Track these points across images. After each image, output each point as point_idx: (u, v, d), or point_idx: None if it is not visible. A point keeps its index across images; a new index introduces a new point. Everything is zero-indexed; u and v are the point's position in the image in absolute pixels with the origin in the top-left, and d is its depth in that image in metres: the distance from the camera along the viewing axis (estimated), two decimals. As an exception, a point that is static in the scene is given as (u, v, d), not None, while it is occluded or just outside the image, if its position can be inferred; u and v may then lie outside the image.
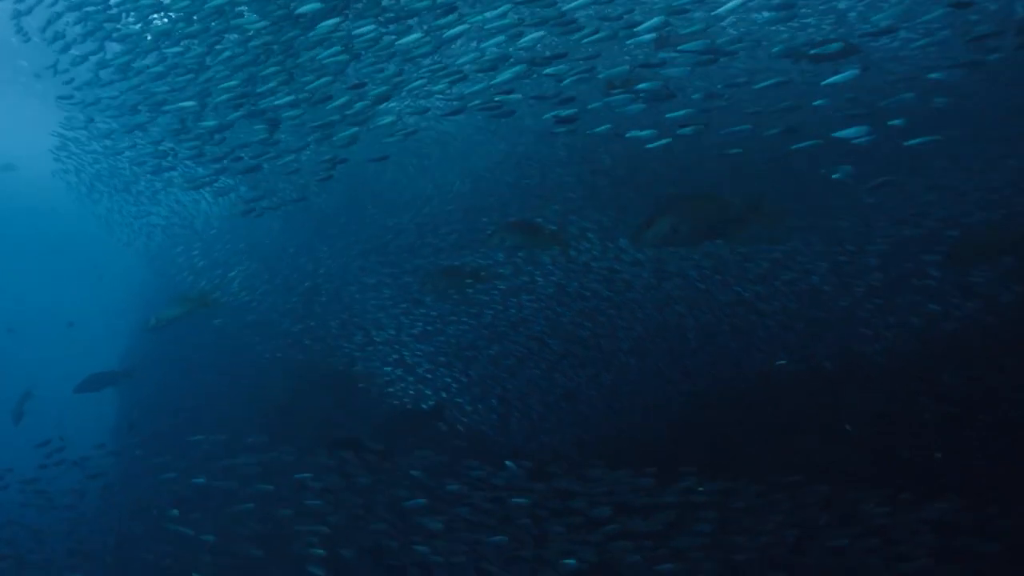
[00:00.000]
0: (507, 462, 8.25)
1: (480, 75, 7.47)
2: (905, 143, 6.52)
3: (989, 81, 9.04)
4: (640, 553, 6.90)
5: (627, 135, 7.10)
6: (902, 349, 8.92)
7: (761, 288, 9.78)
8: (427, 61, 8.96)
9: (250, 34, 8.27)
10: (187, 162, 12.10)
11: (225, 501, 8.87)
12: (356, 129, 7.82)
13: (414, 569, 7.77)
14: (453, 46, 10.43)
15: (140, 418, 14.01)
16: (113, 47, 9.86)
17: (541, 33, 6.92)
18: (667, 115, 7.03)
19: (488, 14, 7.04)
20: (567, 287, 10.59)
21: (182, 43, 8.92)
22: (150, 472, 10.35)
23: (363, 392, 12.19)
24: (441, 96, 11.08)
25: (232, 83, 8.46)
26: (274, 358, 13.34)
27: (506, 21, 7.03)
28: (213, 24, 8.28)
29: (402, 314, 11.96)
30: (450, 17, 7.21)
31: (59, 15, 9.87)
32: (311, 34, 7.87)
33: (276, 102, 8.23)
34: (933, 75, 7.54)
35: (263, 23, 8.12)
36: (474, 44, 10.84)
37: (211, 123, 9.04)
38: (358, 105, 7.98)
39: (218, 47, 8.59)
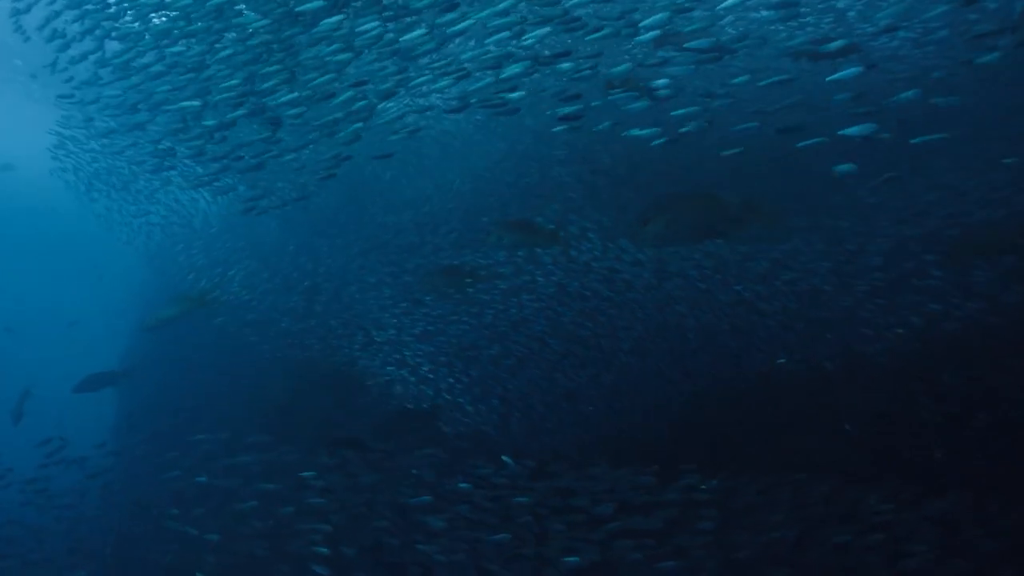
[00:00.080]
0: (504, 457, 8.25)
1: (482, 73, 7.47)
2: (911, 141, 6.52)
3: (989, 80, 9.05)
4: (642, 551, 6.90)
5: (627, 133, 7.11)
6: (903, 349, 8.92)
7: (761, 288, 9.79)
8: (425, 60, 8.95)
9: (250, 32, 8.27)
10: (186, 161, 12.09)
11: (226, 500, 8.87)
12: (360, 125, 7.81)
13: (415, 567, 7.77)
14: (451, 44, 10.43)
15: (140, 417, 13.99)
16: (113, 46, 9.85)
17: (546, 30, 6.91)
18: (671, 113, 7.04)
19: (491, 10, 7.04)
20: (568, 287, 10.59)
21: (181, 42, 8.91)
22: (151, 471, 10.34)
23: (363, 391, 12.19)
24: (443, 94, 11.08)
25: (233, 82, 8.45)
26: (274, 357, 13.32)
27: (509, 19, 7.04)
28: (215, 25, 8.28)
29: (403, 314, 11.96)
30: (452, 14, 7.21)
31: (57, 13, 9.87)
32: (313, 31, 7.86)
33: (278, 100, 8.22)
34: (935, 74, 7.56)
35: (264, 21, 8.11)
36: (472, 43, 10.85)
37: (211, 122, 9.03)
38: (361, 103, 7.97)
39: (217, 45, 8.58)
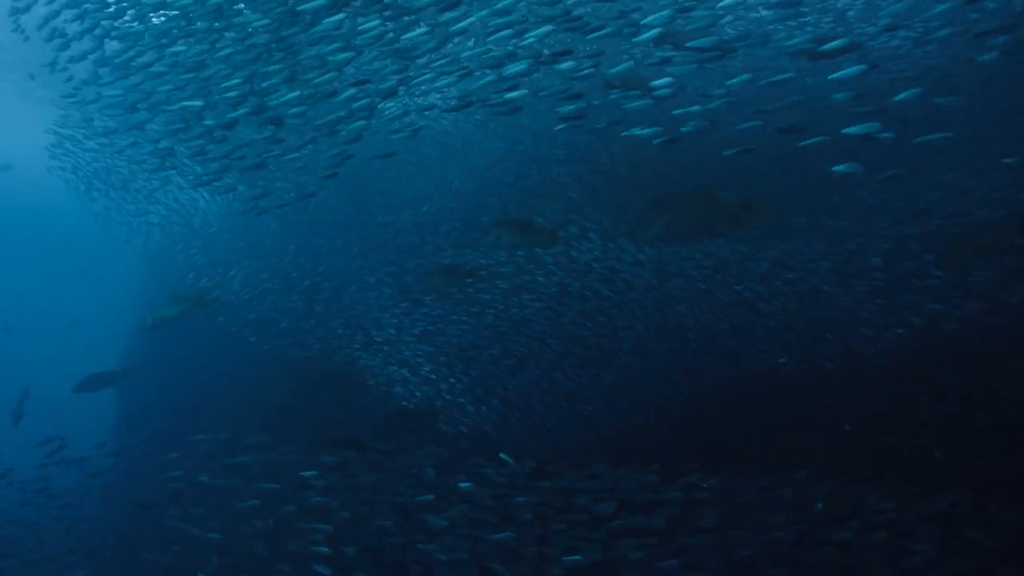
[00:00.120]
0: (502, 455, 8.24)
1: (482, 72, 7.47)
2: (916, 140, 6.52)
3: (989, 80, 9.06)
4: (643, 550, 6.89)
5: (627, 132, 7.10)
6: (903, 349, 8.92)
7: (761, 288, 9.79)
8: (424, 60, 8.94)
9: (249, 31, 8.26)
10: (186, 161, 12.09)
11: (227, 499, 8.86)
12: (363, 123, 7.80)
13: (416, 566, 7.76)
14: (451, 44, 10.42)
15: (140, 417, 13.98)
16: (112, 45, 9.84)
17: (548, 28, 6.90)
18: (672, 112, 7.04)
19: (491, 9, 7.03)
20: (568, 287, 10.59)
21: (180, 41, 8.90)
22: (151, 471, 10.33)
23: (364, 391, 12.18)
24: (443, 94, 11.07)
25: (234, 81, 8.45)
26: (274, 357, 13.32)
27: (510, 18, 7.04)
28: (214, 24, 8.27)
29: (403, 314, 11.96)
30: (454, 13, 7.20)
31: (57, 13, 9.85)
32: (314, 30, 7.86)
33: (280, 99, 8.21)
34: (933, 74, 7.56)
35: (264, 20, 8.11)
36: (471, 43, 10.85)
37: (212, 122, 9.02)
38: (363, 101, 7.96)
39: (218, 44, 8.57)
